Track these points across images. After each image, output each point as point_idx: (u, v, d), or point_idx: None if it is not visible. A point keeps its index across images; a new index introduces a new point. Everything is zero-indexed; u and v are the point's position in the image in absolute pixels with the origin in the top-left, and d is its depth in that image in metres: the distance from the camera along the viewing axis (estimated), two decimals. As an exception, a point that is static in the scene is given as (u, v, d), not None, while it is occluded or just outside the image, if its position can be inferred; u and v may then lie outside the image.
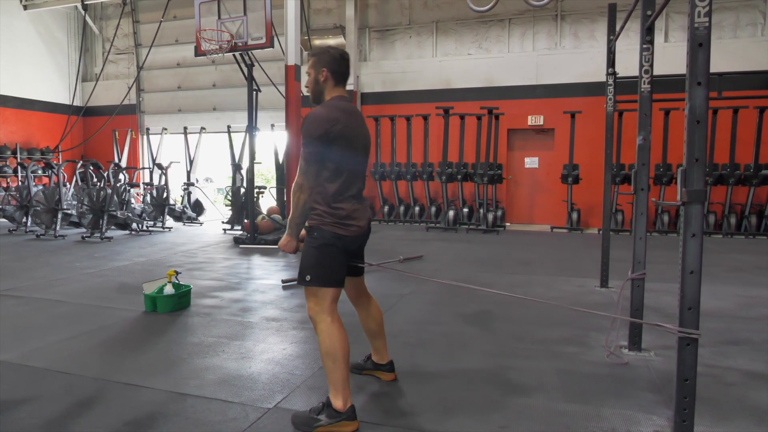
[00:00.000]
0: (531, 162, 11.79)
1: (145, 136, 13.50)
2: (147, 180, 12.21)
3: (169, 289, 4.36)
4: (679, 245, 2.28)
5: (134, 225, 9.71)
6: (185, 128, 12.67)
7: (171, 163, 11.30)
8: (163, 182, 10.95)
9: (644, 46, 3.31)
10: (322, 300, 2.39)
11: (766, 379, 2.96)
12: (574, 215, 10.50)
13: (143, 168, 13.04)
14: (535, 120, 11.43)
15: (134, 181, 12.13)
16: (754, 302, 4.63)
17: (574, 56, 11.12)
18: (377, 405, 2.62)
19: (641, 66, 3.34)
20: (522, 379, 2.96)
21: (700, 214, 2.22)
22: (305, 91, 2.61)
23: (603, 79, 10.87)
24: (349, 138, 2.41)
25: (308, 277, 2.39)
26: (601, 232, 10.17)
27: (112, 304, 4.59)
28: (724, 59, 9.39)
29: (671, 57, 9.97)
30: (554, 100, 11.09)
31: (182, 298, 4.44)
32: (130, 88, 12.78)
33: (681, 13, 10.19)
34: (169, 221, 11.23)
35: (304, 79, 2.71)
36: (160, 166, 11.20)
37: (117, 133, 12.99)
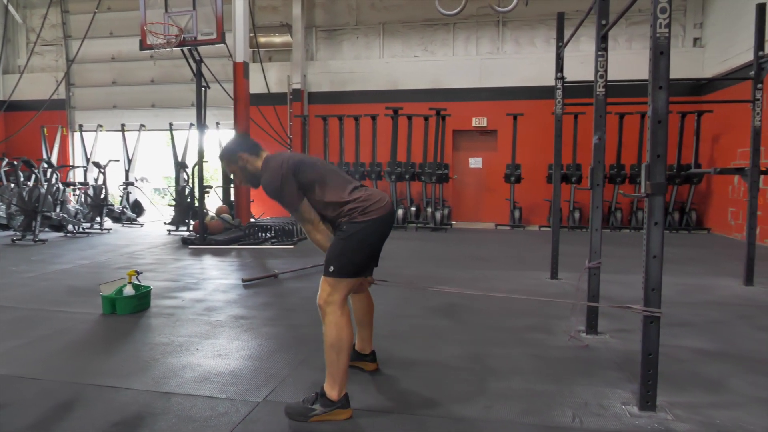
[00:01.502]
0: (475, 162, 12.20)
1: (77, 134, 12.72)
2: (81, 179, 11.54)
3: (129, 290, 4.21)
4: (644, 233, 2.52)
5: (70, 227, 9.18)
6: (123, 125, 12.09)
7: (109, 161, 10.75)
8: (100, 181, 10.41)
9: (599, 53, 3.58)
10: (338, 291, 2.42)
11: (712, 354, 3.30)
12: (517, 213, 10.98)
13: (75, 166, 12.31)
14: (479, 121, 11.84)
15: (67, 180, 11.42)
16: (690, 289, 5.09)
17: (516, 61, 11.63)
18: (366, 393, 2.69)
19: (596, 71, 3.61)
20: (498, 364, 3.12)
21: (662, 205, 2.46)
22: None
23: (544, 83, 11.47)
24: (302, 160, 2.55)
25: (331, 268, 2.42)
26: (541, 228, 10.75)
27: (65, 307, 4.36)
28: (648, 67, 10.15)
29: (610, 64, 10.67)
30: (497, 102, 11.55)
31: (142, 300, 4.30)
32: (59, 83, 12.05)
33: (617, 24, 10.88)
34: (108, 222, 10.69)
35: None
36: (97, 165, 10.63)
37: (45, 129, 12.18)
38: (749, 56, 8.78)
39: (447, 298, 4.71)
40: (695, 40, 11.11)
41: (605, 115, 3.58)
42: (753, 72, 4.97)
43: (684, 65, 10.60)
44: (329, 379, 2.41)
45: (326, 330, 2.41)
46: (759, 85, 4.94)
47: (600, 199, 3.64)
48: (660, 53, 2.34)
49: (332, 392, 2.39)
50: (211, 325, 3.89)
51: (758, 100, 4.96)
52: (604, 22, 3.48)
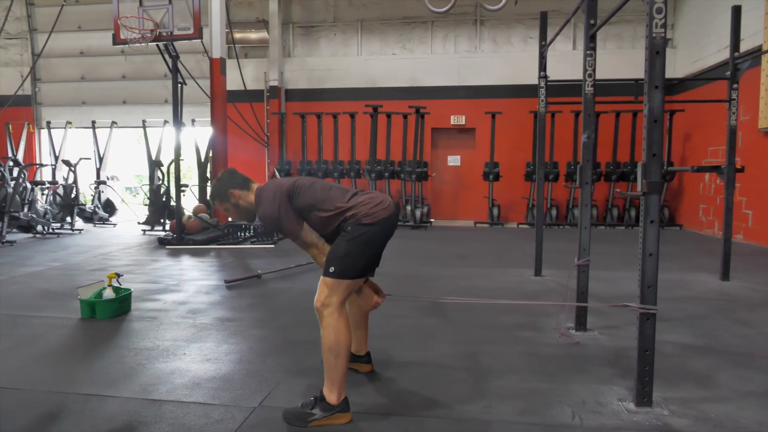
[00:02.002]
0: (454, 160, 12.24)
1: (45, 131, 12.26)
2: (50, 178, 11.14)
3: (109, 294, 4.06)
4: (640, 231, 2.55)
5: (39, 227, 8.85)
6: (93, 122, 11.72)
7: (80, 159, 10.40)
8: (71, 180, 10.06)
9: (588, 52, 3.61)
10: (337, 293, 2.37)
11: (697, 349, 3.37)
12: (495, 211, 11.07)
13: (43, 165, 11.87)
14: (457, 120, 11.89)
15: (35, 179, 11.00)
16: (669, 285, 5.19)
17: (493, 60, 11.71)
18: (364, 395, 2.64)
19: (585, 70, 3.64)
20: (491, 363, 3.12)
21: (657, 203, 2.49)
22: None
23: (521, 82, 11.59)
24: (295, 183, 2.51)
25: (332, 269, 2.36)
26: (519, 226, 10.86)
27: (39, 312, 4.18)
28: (625, 67, 10.37)
29: (580, 63, 10.83)
30: (475, 101, 11.61)
31: (123, 303, 4.15)
32: (24, 78, 11.59)
33: (587, 24, 11.06)
34: (79, 222, 10.34)
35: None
36: (67, 163, 10.27)
37: (11, 126, 11.71)
38: (719, 57, 9.06)
39: (434, 297, 4.70)
40: (667, 41, 11.37)
41: (594, 114, 3.62)
42: (729, 72, 5.09)
43: (656, 65, 10.84)
44: (328, 382, 2.36)
45: (324, 333, 2.36)
46: (735, 85, 5.07)
47: (589, 197, 3.68)
48: (656, 53, 2.36)
49: (331, 396, 2.34)
50: (196, 328, 3.79)
51: (734, 99, 5.09)
52: (592, 21, 3.51)
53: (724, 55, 8.73)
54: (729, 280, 5.30)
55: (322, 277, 2.40)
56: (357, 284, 2.48)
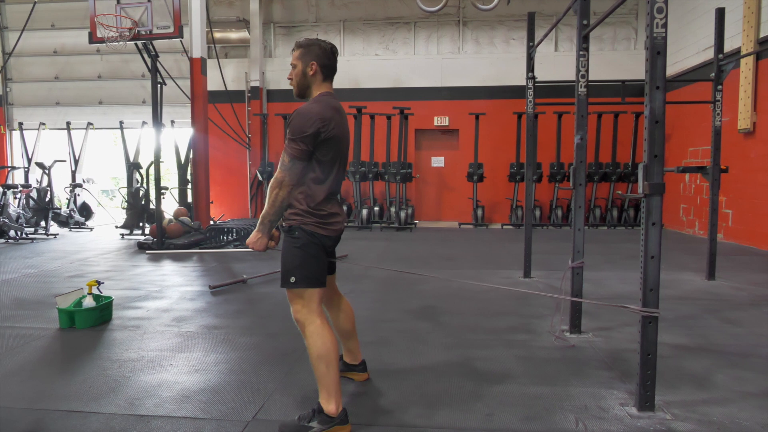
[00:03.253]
0: (437, 161, 12.23)
1: (17, 132, 11.86)
2: (22, 181, 10.77)
3: (89, 302, 3.90)
4: (641, 234, 2.52)
5: (12, 232, 8.54)
6: (68, 123, 11.38)
7: (55, 161, 10.08)
8: (45, 183, 9.74)
9: (581, 53, 3.58)
10: (310, 301, 2.29)
11: (691, 350, 3.36)
12: (479, 212, 11.08)
13: (15, 167, 11.47)
14: (441, 121, 11.87)
15: (6, 182, 10.63)
16: (657, 284, 5.22)
17: (476, 61, 11.72)
18: (361, 405, 2.56)
19: (578, 71, 3.61)
20: (488, 367, 3.07)
21: (659, 205, 2.46)
22: (288, 84, 2.45)
23: (503, 83, 11.63)
24: (339, 139, 2.32)
25: (293, 279, 2.27)
26: (504, 227, 10.88)
27: (14, 323, 4.00)
28: (606, 70, 10.47)
29: (562, 65, 10.94)
30: (459, 102, 11.61)
31: (104, 311, 3.99)
32: (-5, 77, 11.21)
33: (569, 26, 11.16)
34: (54, 227, 10.02)
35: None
36: (41, 166, 9.94)
37: (-19, 127, 11.32)
38: (699, 59, 9.21)
39: (423, 300, 4.64)
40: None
41: (586, 116, 3.59)
42: (713, 74, 5.13)
43: (637, 67, 10.97)
44: (323, 392, 2.27)
45: (309, 342, 2.26)
46: (719, 87, 5.12)
47: (582, 198, 3.65)
48: (657, 53, 2.33)
49: (329, 407, 2.25)
50: (182, 336, 3.65)
51: (718, 101, 5.14)
52: (585, 22, 3.48)
53: (704, 56, 8.89)
54: (715, 279, 5.36)
55: (286, 290, 2.31)
56: (324, 290, 2.38)
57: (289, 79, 2.42)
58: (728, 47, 7.89)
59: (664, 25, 2.34)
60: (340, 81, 12.50)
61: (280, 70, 12.20)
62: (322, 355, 2.24)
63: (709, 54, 7.46)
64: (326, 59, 2.37)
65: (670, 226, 10.38)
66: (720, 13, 5.11)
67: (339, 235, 2.44)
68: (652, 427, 2.33)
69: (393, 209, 10.63)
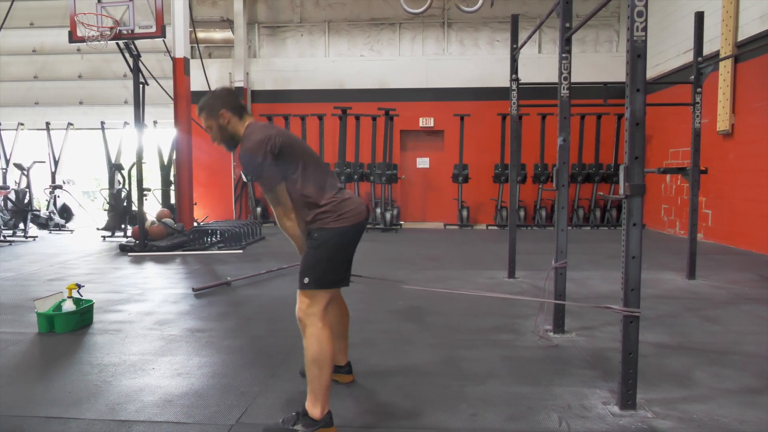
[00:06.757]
0: (422, 162, 12.25)
1: (-6, 132, 11.62)
2: (1, 182, 10.56)
3: (69, 306, 3.83)
4: (622, 234, 2.55)
5: (-10, 235, 8.37)
6: (48, 124, 11.18)
7: (34, 162, 9.90)
8: (23, 185, 9.56)
9: (563, 55, 3.62)
10: (317, 303, 2.28)
11: (671, 348, 3.42)
12: (464, 213, 11.13)
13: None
14: (426, 122, 11.91)
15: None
16: (638, 284, 5.29)
17: (461, 62, 11.78)
18: (346, 408, 2.55)
19: (560, 73, 3.65)
20: (472, 368, 3.08)
21: (640, 206, 2.50)
22: (214, 144, 2.47)
23: (488, 84, 11.69)
24: (290, 143, 2.36)
25: (306, 280, 2.28)
26: (488, 228, 10.95)
27: (-8, 327, 3.91)
28: (588, 71, 10.59)
29: (545, 67, 11.03)
30: (443, 103, 11.65)
31: (85, 315, 3.93)
32: (-28, 76, 10.98)
33: (552, 28, 11.27)
34: (33, 229, 9.84)
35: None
36: (19, 167, 9.76)
37: (-43, 128, 11.07)
38: (679, 62, 9.36)
39: (409, 300, 4.65)
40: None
41: (569, 117, 3.63)
42: (693, 76, 5.22)
43: (618, 70, 11.12)
44: (311, 396, 2.26)
45: (307, 344, 2.26)
46: (699, 89, 5.21)
47: (565, 199, 3.69)
48: (638, 56, 2.36)
49: (315, 410, 2.24)
50: (165, 340, 3.61)
51: (698, 103, 5.23)
52: (568, 24, 3.52)
53: (684, 59, 9.04)
54: (695, 279, 5.44)
55: (298, 290, 2.31)
56: (335, 292, 2.40)
57: (214, 141, 2.45)
58: (707, 50, 8.04)
59: (644, 29, 2.37)
60: (325, 82, 12.45)
61: (264, 71, 12.12)
62: (317, 359, 2.23)
63: (689, 57, 7.58)
64: (231, 100, 2.41)
65: (652, 226, 10.54)
66: (699, 17, 5.20)
67: (363, 222, 2.41)
68: (633, 426, 2.36)
69: (379, 210, 10.63)
